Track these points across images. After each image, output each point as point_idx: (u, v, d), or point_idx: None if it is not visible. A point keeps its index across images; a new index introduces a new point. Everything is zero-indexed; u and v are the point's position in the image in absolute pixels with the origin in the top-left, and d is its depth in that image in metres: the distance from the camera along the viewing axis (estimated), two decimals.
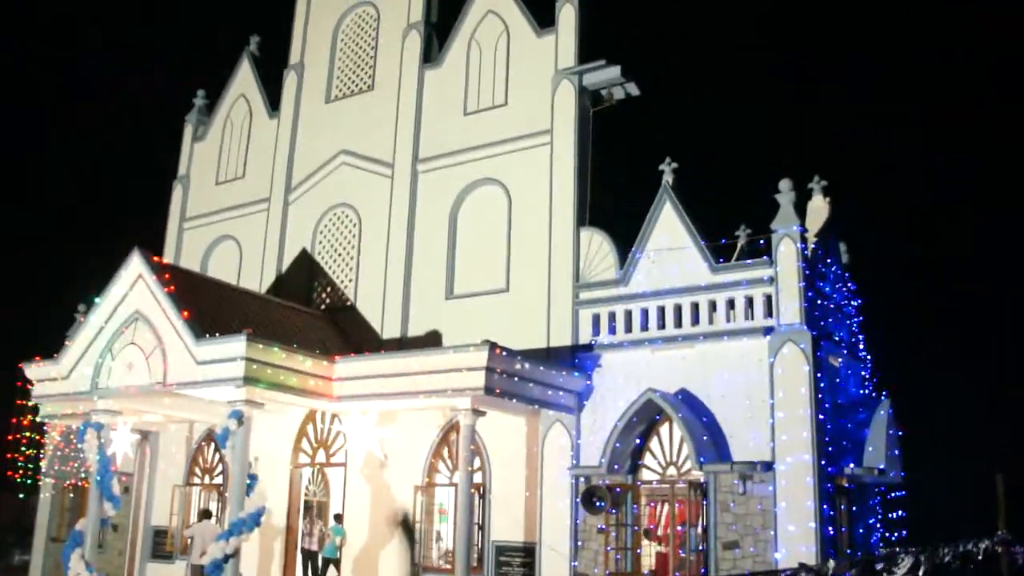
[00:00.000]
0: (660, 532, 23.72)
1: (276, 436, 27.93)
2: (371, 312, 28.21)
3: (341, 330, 28.19)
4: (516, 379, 22.12)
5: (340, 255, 29.78)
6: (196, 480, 30.06)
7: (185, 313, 22.97)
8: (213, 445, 29.56)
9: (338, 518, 26.38)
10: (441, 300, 27.14)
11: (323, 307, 29.54)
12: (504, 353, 21.71)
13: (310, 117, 31.70)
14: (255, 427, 27.23)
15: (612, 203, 26.21)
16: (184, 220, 33.85)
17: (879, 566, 10.55)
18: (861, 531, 23.85)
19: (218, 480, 29.37)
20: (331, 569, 26.09)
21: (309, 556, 26.77)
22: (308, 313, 28.47)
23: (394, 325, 27.48)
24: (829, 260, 24.75)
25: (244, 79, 34.18)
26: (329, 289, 29.71)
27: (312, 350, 23.56)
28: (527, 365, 22.36)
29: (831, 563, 13.37)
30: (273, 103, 32.87)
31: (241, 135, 33.49)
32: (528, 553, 23.83)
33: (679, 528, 22.49)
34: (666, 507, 23.31)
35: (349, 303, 28.94)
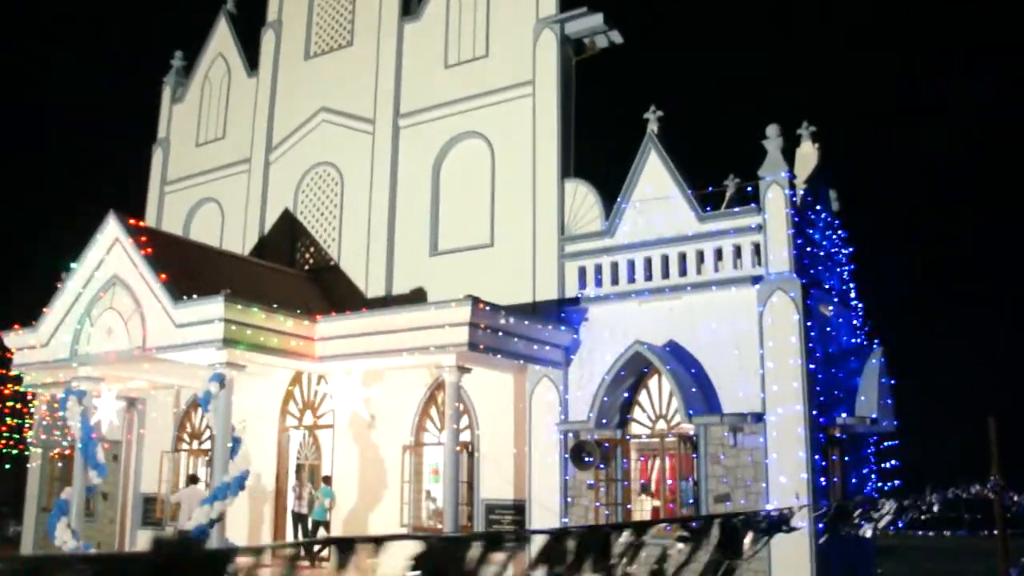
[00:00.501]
0: (654, 487, 23.27)
1: (263, 399, 27.40)
2: (355, 271, 27.59)
3: (325, 290, 27.58)
4: (500, 334, 21.55)
5: (323, 214, 29.10)
6: (184, 446, 29.56)
7: (163, 276, 22.39)
8: (200, 410, 29.01)
9: (327, 480, 25.90)
10: (425, 257, 26.51)
11: (307, 267, 28.91)
12: (487, 308, 21.12)
13: (289, 75, 30.92)
14: (242, 391, 26.79)
15: (597, 154, 25.55)
16: (165, 183, 33.13)
17: (857, 511, 9.99)
18: (855, 481, 23.35)
19: (206, 445, 28.82)
20: (321, 531, 25.64)
21: (299, 519, 26.33)
22: (291, 273, 27.87)
23: (378, 283, 26.88)
24: (819, 207, 24.11)
25: (222, 38, 33.33)
26: (312, 249, 29.06)
27: (294, 310, 22.95)
28: (511, 320, 21.78)
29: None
30: (252, 62, 32.06)
31: (220, 96, 32.70)
32: (518, 511, 23.36)
33: (669, 482, 22.03)
34: (657, 461, 22.88)
35: (333, 263, 28.31)
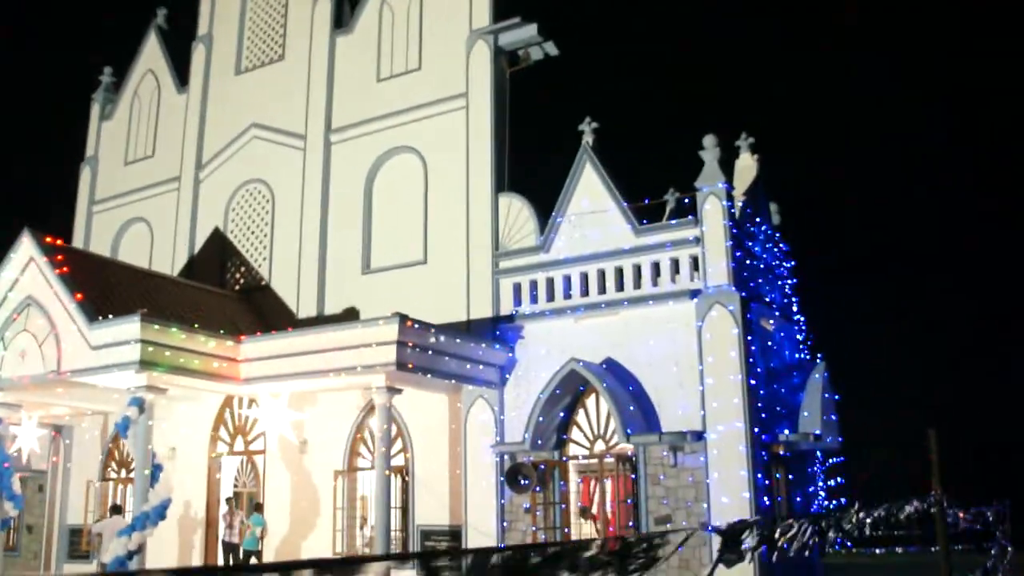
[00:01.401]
0: (595, 510, 22.22)
1: (192, 425, 26.09)
2: (286, 291, 26.37)
3: (256, 310, 26.32)
4: (431, 353, 20.43)
5: (254, 233, 27.85)
6: (112, 474, 28.05)
7: (78, 296, 21.13)
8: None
9: (258, 508, 24.56)
10: (358, 275, 25.36)
11: (237, 287, 27.62)
12: (416, 326, 20.01)
13: (220, 90, 29.69)
14: (171, 417, 25.63)
15: (533, 168, 24.56)
16: (93, 203, 31.68)
17: (750, 533, 8.91)
18: (799, 500, 22.43)
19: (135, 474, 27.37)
20: (252, 561, 24.27)
21: (230, 548, 24.89)
22: (220, 294, 26.57)
23: (310, 303, 25.68)
24: (758, 219, 23.27)
25: (151, 53, 32.02)
26: (243, 269, 27.78)
27: (217, 331, 21.70)
28: (443, 338, 20.69)
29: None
30: (182, 78, 30.78)
31: (150, 112, 31.37)
32: (454, 536, 22.20)
33: (609, 505, 20.99)
34: (596, 483, 21.82)
35: (264, 282, 27.06)
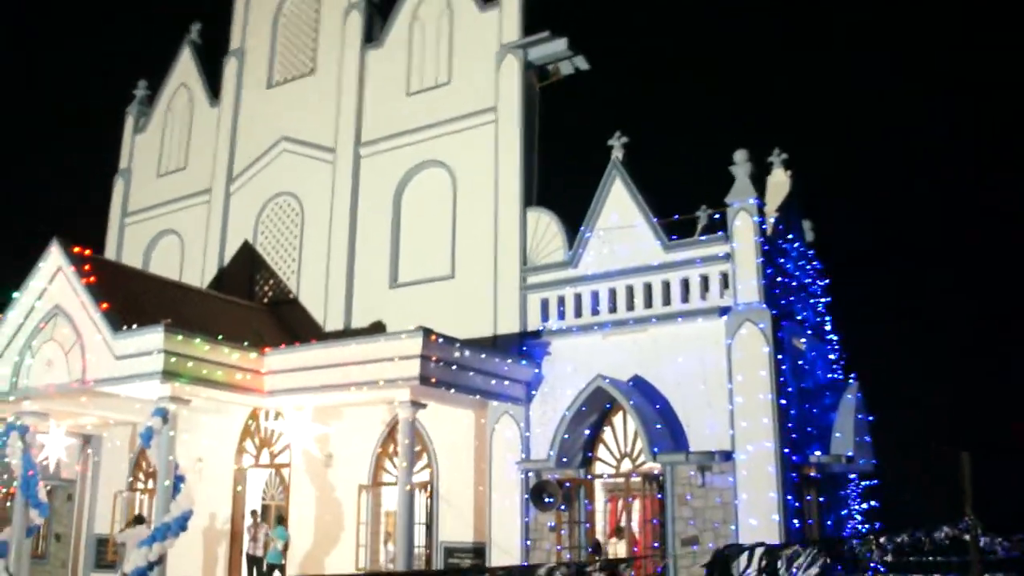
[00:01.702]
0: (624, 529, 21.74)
1: (219, 437, 25.89)
2: (313, 304, 26.13)
3: (283, 323, 26.09)
4: (455, 368, 20.07)
5: (282, 246, 27.68)
6: (140, 485, 27.89)
7: (104, 305, 20.95)
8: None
9: (281, 520, 24.28)
10: (385, 289, 25.07)
11: (265, 300, 27.42)
12: (440, 340, 19.66)
13: (251, 104, 29.60)
14: (198, 429, 25.45)
15: (562, 183, 24.22)
16: (126, 215, 31.66)
17: (745, 560, 8.39)
18: (830, 523, 21.81)
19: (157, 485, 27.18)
20: (276, 575, 23.99)
21: (254, 561, 24.64)
22: (248, 306, 26.38)
23: (337, 317, 25.42)
24: (791, 236, 22.75)
25: (185, 68, 32.03)
26: (271, 281, 27.59)
27: (242, 343, 21.44)
28: (467, 353, 20.33)
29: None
30: (214, 91, 30.73)
31: (182, 125, 31.34)
32: (478, 553, 21.78)
33: (628, 524, 20.51)
34: (621, 502, 21.33)
35: (292, 296, 26.84)
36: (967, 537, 10.80)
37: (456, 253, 24.09)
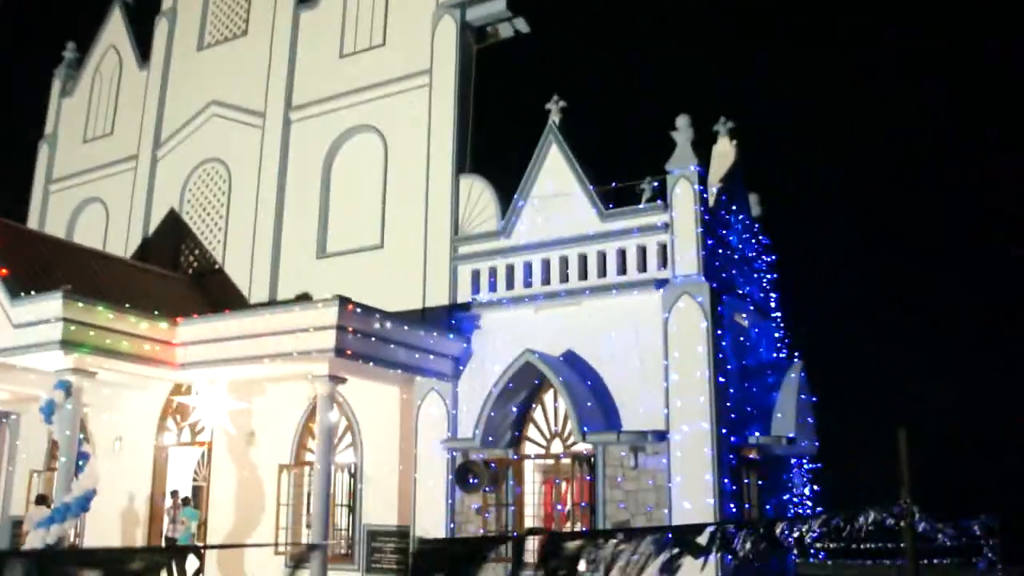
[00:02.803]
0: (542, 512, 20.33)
1: (140, 414, 24.23)
2: (239, 275, 24.49)
3: (207, 295, 24.43)
4: (375, 340, 18.56)
5: (209, 214, 25.99)
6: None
7: (3, 271, 19.24)
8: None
9: (186, 501, 22.71)
10: (312, 259, 23.50)
11: (190, 271, 25.75)
12: (359, 310, 18.14)
13: (181, 67, 27.82)
14: (118, 406, 23.84)
15: (499, 150, 22.75)
16: (50, 182, 29.78)
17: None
18: (769, 507, 20.50)
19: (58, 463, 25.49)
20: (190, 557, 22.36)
21: (172, 544, 23.10)
22: (170, 276, 24.72)
23: (262, 288, 23.81)
24: (735, 207, 21.39)
25: (115, 29, 30.12)
26: (197, 252, 25.90)
27: (156, 312, 19.84)
28: (389, 324, 18.82)
29: None
30: (144, 54, 28.92)
31: (111, 89, 29.51)
32: (402, 537, 20.33)
33: (559, 507, 19.09)
34: (564, 485, 19.87)
35: (217, 266, 25.17)
36: (900, 524, 9.58)
37: (386, 222, 22.57)
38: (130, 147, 27.97)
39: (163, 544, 23.57)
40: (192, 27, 27.89)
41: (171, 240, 26.25)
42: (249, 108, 25.60)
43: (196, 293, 24.44)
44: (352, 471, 21.32)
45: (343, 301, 17.79)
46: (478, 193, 21.34)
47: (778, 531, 8.66)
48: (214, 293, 24.46)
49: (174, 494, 23.53)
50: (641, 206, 19.51)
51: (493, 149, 22.39)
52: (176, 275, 25.15)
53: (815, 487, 22.97)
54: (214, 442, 23.23)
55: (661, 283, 18.63)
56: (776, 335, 23.01)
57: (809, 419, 20.75)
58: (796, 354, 22.16)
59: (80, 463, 19.16)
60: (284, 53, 25.34)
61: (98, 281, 21.55)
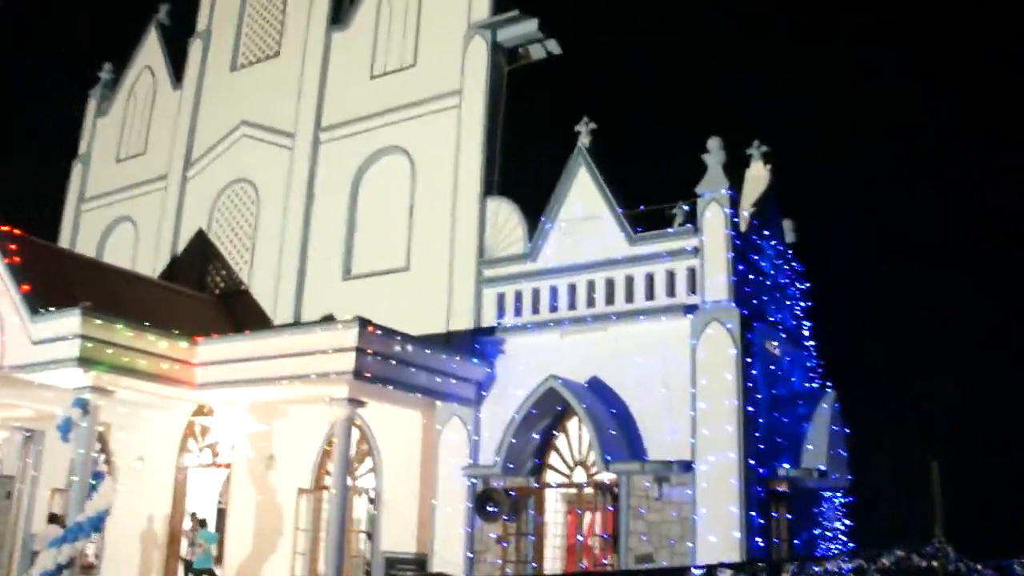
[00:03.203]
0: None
1: (162, 434, 23.89)
2: (264, 296, 24.17)
3: (232, 315, 24.14)
4: (396, 363, 18.07)
5: (237, 235, 25.72)
6: None
7: (24, 287, 19.03)
8: (100, 445, 25.42)
9: (204, 523, 22.28)
10: (338, 281, 23.11)
11: (217, 291, 25.47)
12: (379, 332, 17.68)
13: (213, 87, 27.70)
14: (140, 426, 23.56)
15: (528, 172, 22.23)
16: (83, 201, 29.70)
17: None
18: (798, 543, 19.68)
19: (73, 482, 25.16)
20: None
21: (191, 568, 22.68)
22: (195, 297, 24.45)
23: (287, 309, 23.44)
24: (767, 233, 20.72)
25: (150, 50, 30.11)
26: (224, 272, 25.61)
27: (176, 332, 19.50)
28: (410, 347, 18.33)
29: None
30: (178, 74, 28.84)
31: (144, 109, 29.44)
32: (420, 566, 19.73)
33: (580, 538, 18.42)
34: (587, 515, 19.21)
35: (243, 287, 24.86)
36: (935, 564, 8.87)
37: (412, 244, 22.14)
38: (161, 167, 27.85)
39: (180, 567, 23.22)
40: (226, 47, 27.78)
41: (198, 260, 26.01)
42: (279, 128, 25.36)
43: (221, 314, 24.13)
44: (372, 496, 20.82)
45: (363, 323, 17.35)
46: (505, 216, 20.87)
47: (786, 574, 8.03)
48: (239, 314, 24.14)
49: (193, 516, 23.14)
50: (670, 230, 18.93)
51: (522, 171, 21.91)
52: (202, 295, 24.89)
53: (848, 522, 22.12)
54: (234, 464, 22.85)
55: (690, 309, 18.02)
56: (809, 364, 22.26)
57: (842, 451, 20.00)
58: (829, 384, 21.40)
59: (94, 482, 18.83)
60: (315, 73, 25.10)
61: (123, 300, 21.29)
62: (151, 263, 26.68)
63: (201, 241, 26.13)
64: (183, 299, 23.79)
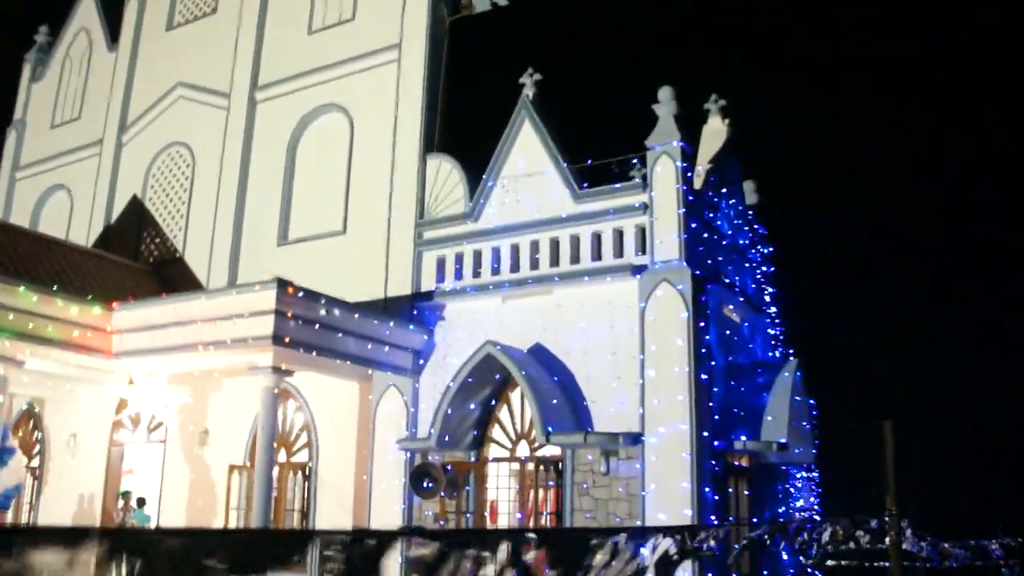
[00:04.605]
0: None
1: (96, 410, 22.14)
2: (198, 263, 22.40)
3: (166, 285, 22.33)
4: (321, 328, 16.39)
5: (172, 201, 23.90)
6: None
7: None
8: (32, 421, 23.74)
9: (140, 502, 20.58)
10: (273, 247, 21.38)
11: (151, 260, 23.67)
12: (301, 294, 15.99)
13: (150, 47, 25.81)
14: (75, 399, 21.85)
15: (474, 128, 20.52)
16: (16, 169, 27.76)
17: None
18: (757, 520, 18.08)
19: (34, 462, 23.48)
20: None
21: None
22: (130, 266, 22.65)
23: (221, 277, 21.68)
24: (725, 191, 19.08)
25: (86, 10, 28.10)
26: (158, 240, 23.79)
27: (90, 296, 17.78)
28: (337, 312, 16.65)
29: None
30: (115, 35, 26.92)
31: (80, 73, 27.53)
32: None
33: (519, 517, 16.78)
34: (539, 493, 17.52)
35: (178, 255, 23.08)
36: (887, 537, 7.36)
37: (350, 207, 20.41)
38: (96, 132, 25.95)
39: None
40: (162, 6, 25.87)
41: (133, 228, 24.19)
42: (215, 89, 23.54)
43: (154, 283, 22.36)
44: (307, 473, 19.16)
45: (282, 284, 15.66)
46: (446, 174, 19.18)
47: (701, 541, 6.58)
48: (173, 283, 22.35)
49: (124, 495, 21.42)
50: (618, 185, 17.22)
51: (466, 128, 20.20)
52: (136, 264, 23.10)
53: (817, 500, 20.59)
54: (167, 440, 21.18)
55: (639, 269, 16.38)
56: (771, 332, 20.68)
57: (804, 424, 18.43)
58: (791, 352, 19.83)
59: (4, 458, 17.12)
60: (252, 30, 23.28)
61: (42, 266, 19.54)
62: (85, 232, 24.83)
63: (136, 208, 24.30)
64: (116, 268, 22.01)
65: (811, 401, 19.02)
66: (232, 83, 23.17)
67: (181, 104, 24.23)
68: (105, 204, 24.75)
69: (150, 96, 25.00)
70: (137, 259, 23.53)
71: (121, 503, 21.59)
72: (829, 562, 17.87)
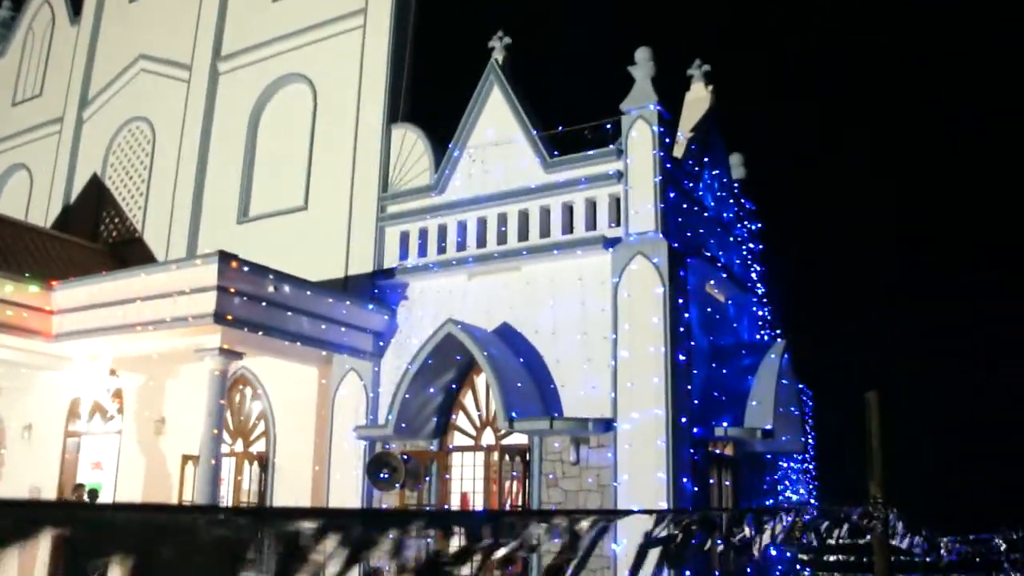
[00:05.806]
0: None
1: (51, 399, 20.83)
2: (157, 243, 21.06)
3: (124, 266, 20.92)
4: (269, 306, 15.03)
5: (132, 179, 22.54)
6: None
7: None
8: None
9: (92, 494, 19.29)
10: (234, 224, 20.04)
11: (111, 240, 22.34)
12: (246, 269, 14.63)
13: (111, 20, 24.40)
14: (31, 387, 20.58)
15: (442, 97, 19.16)
16: None
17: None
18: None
19: None
20: None
21: None
22: (88, 247, 21.29)
23: (179, 256, 20.35)
24: (708, 160, 17.67)
25: None
26: (117, 220, 22.44)
27: (27, 274, 16.48)
28: (287, 288, 15.29)
29: None
30: (77, 8, 25.59)
31: (42, 48, 26.14)
32: None
33: (481, 512, 15.42)
34: (508, 484, 16.16)
35: (137, 235, 21.75)
36: (873, 527, 6.12)
37: (311, 181, 19.05)
38: (57, 109, 24.57)
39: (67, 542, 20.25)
40: None
41: (92, 208, 22.83)
42: (176, 61, 22.16)
43: (112, 264, 20.97)
44: (263, 462, 17.85)
45: (225, 257, 14.31)
46: (411, 144, 17.79)
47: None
48: (131, 264, 20.95)
49: (79, 487, 20.13)
50: (590, 152, 15.81)
51: (435, 97, 18.83)
52: (94, 245, 21.77)
53: (803, 491, 19.21)
54: (123, 430, 19.88)
55: (612, 242, 14.98)
56: (759, 312, 19.29)
57: (794, 410, 17.06)
58: (778, 333, 18.45)
59: None
60: None
61: (7, 251, 18.28)
62: (44, 212, 23.52)
63: (95, 187, 22.95)
64: (74, 249, 20.69)
65: (803, 387, 17.67)
66: (194, 54, 21.80)
67: (142, 78, 22.86)
68: (64, 183, 23.40)
69: (112, 70, 23.63)
70: (96, 239, 22.19)
71: (74, 496, 20.37)
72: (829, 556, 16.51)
